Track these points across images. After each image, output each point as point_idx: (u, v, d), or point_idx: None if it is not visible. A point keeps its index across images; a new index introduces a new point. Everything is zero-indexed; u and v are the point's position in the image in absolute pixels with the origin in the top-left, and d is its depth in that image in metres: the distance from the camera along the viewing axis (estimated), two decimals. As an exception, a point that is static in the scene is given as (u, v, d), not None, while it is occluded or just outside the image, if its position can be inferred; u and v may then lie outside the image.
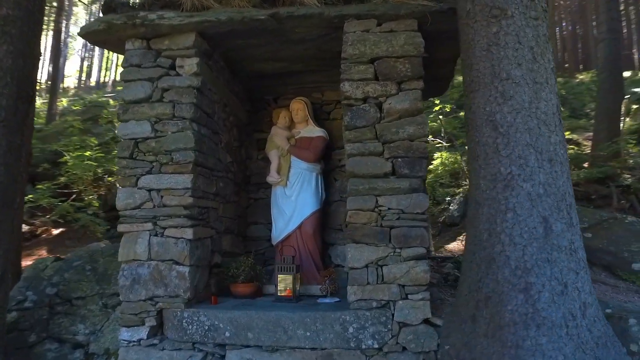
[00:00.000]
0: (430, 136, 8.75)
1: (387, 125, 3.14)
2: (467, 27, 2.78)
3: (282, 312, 3.04)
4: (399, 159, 3.09)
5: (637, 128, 8.65)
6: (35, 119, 6.11)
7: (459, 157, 8.07)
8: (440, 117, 8.93)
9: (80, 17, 26.61)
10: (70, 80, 24.44)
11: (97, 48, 26.03)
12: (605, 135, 7.54)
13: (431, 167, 8.19)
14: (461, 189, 7.50)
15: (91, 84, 24.02)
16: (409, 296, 2.94)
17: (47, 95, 13.69)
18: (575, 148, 8.50)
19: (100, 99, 13.56)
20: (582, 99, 12.12)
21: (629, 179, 6.29)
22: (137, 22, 3.28)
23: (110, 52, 25.86)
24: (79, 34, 3.55)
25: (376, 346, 2.90)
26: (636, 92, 10.88)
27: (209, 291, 3.53)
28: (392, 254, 3.00)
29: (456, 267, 4.14)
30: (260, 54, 3.85)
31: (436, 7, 3.18)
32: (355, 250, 3.03)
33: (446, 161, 8.27)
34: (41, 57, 4.20)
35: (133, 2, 3.44)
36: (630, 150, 7.06)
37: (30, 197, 7.25)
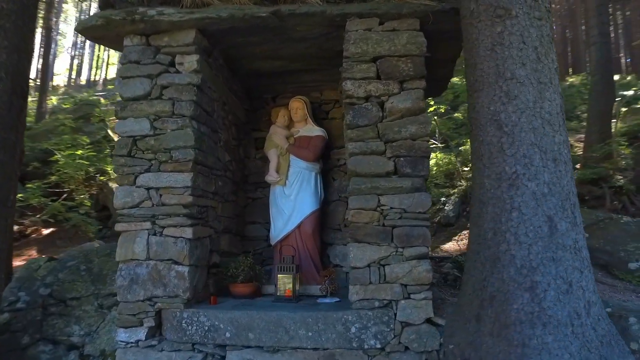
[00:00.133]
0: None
1: (389, 125, 3.13)
2: (471, 26, 2.78)
3: (284, 312, 3.01)
4: (401, 158, 3.08)
5: (627, 130, 8.78)
6: (25, 116, 6.00)
7: (453, 158, 8.12)
8: (435, 118, 8.98)
9: (70, 14, 26.27)
10: (59, 78, 24.09)
11: (87, 46, 25.74)
12: (597, 137, 7.64)
13: (426, 167, 8.21)
14: (456, 190, 7.53)
15: (81, 83, 23.68)
16: (412, 296, 2.93)
17: (37, 93, 13.46)
18: (568, 149, 8.58)
19: (91, 98, 13.38)
20: (572, 101, 12.28)
21: (621, 180, 6.37)
22: (136, 18, 3.23)
23: (101, 51, 25.57)
24: (76, 30, 3.48)
25: (379, 346, 2.89)
26: (625, 95, 11.07)
27: (207, 291, 3.49)
28: (394, 253, 2.99)
29: (455, 267, 4.15)
30: (260, 52, 3.82)
31: (438, 7, 3.19)
32: (357, 250, 3.01)
33: (441, 162, 8.31)
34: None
35: (131, -2, 3.38)
36: (622, 151, 7.15)
37: (20, 196, 7.11)
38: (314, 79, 4.44)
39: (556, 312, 2.27)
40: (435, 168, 8.31)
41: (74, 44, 26.14)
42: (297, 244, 3.97)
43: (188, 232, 3.15)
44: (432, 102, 8.63)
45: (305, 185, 4.09)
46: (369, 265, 2.99)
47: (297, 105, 4.26)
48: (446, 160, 8.19)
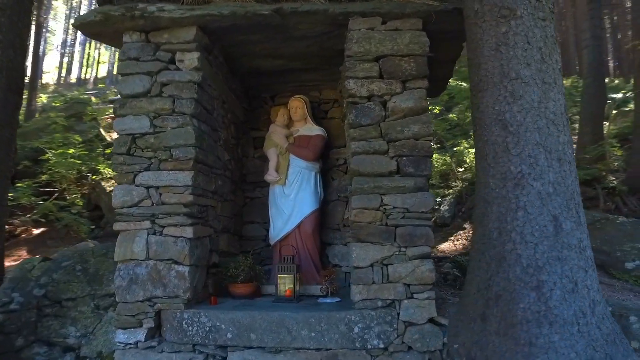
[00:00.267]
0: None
1: (392, 124, 3.12)
2: (475, 26, 2.78)
3: (286, 312, 2.98)
4: (404, 158, 3.08)
5: (618, 132, 8.92)
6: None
7: (448, 159, 8.15)
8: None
9: (59, 10, 25.91)
10: (48, 76, 23.73)
11: (77, 44, 25.39)
12: (590, 139, 7.73)
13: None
14: (451, 190, 7.57)
15: (71, 81, 23.35)
16: (415, 295, 2.93)
17: (26, 91, 13.22)
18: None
19: (81, 96, 13.19)
20: (564, 103, 12.40)
21: (614, 181, 6.46)
22: (135, 14, 3.18)
23: (92, 49, 25.26)
24: (73, 25, 3.42)
25: (382, 346, 2.88)
26: (615, 98, 11.24)
27: (206, 291, 3.45)
28: (397, 253, 2.98)
29: (455, 267, 4.16)
30: (260, 50, 3.80)
31: (441, 7, 3.19)
32: (360, 250, 3.00)
33: (436, 162, 8.34)
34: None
35: (131, -7, 3.33)
36: (614, 153, 7.25)
37: (10, 196, 6.96)
38: (313, 78, 4.43)
39: (562, 311, 2.28)
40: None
41: (64, 42, 25.79)
42: (296, 243, 3.94)
43: (188, 232, 3.11)
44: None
45: (305, 185, 4.06)
46: (371, 265, 2.98)
47: (297, 105, 4.24)
48: (441, 160, 8.22)
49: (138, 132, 3.21)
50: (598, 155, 7.11)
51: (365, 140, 3.12)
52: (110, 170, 8.04)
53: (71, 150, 7.97)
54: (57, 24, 26.74)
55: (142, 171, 3.18)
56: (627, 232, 4.23)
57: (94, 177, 8.06)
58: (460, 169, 7.94)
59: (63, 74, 24.30)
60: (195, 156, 3.16)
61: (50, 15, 23.02)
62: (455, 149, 8.33)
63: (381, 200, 3.04)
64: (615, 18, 20.19)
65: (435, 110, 8.77)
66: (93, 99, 13.37)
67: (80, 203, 7.64)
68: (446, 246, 6.20)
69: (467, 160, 7.94)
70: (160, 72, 3.27)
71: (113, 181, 7.81)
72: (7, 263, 5.61)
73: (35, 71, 13.30)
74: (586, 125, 8.03)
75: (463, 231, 6.54)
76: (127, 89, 3.26)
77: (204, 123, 3.42)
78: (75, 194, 7.75)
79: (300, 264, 3.77)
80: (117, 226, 3.16)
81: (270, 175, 4.12)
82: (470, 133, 9.01)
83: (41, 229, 7.78)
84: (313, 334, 2.91)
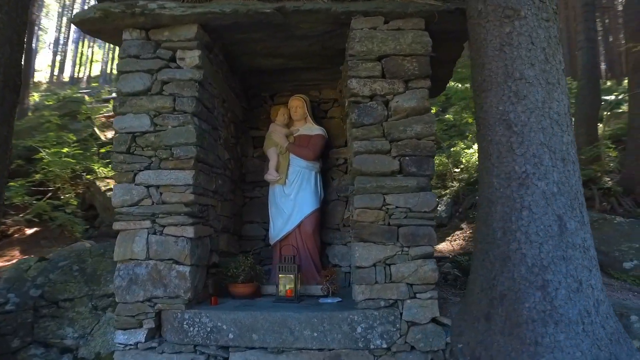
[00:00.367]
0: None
1: (394, 124, 3.12)
2: (479, 26, 2.79)
3: (289, 312, 2.97)
4: (407, 158, 3.07)
5: (612, 133, 9.01)
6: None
7: (445, 159, 8.18)
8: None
9: (52, 8, 25.63)
10: (40, 74, 23.44)
11: (70, 42, 25.14)
12: (584, 140, 7.80)
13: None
14: (448, 190, 7.59)
15: (64, 79, 23.10)
16: (417, 295, 2.93)
17: (18, 89, 13.02)
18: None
19: (75, 95, 13.04)
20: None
21: (609, 182, 6.52)
22: (136, 11, 3.15)
23: (85, 47, 25.02)
24: (72, 22, 3.37)
25: (385, 346, 2.87)
26: (607, 100, 11.37)
27: (206, 292, 3.42)
28: (400, 252, 2.98)
29: (455, 267, 4.17)
30: (261, 48, 3.77)
31: (443, 7, 3.19)
32: (362, 249, 2.99)
33: (432, 163, 8.36)
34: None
35: (131, -10, 3.29)
36: (609, 154, 7.32)
37: (3, 195, 6.86)
38: (313, 78, 4.41)
39: (567, 311, 2.29)
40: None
41: (56, 40, 25.52)
42: (297, 243, 3.93)
43: (189, 231, 3.08)
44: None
45: (306, 185, 4.05)
46: (374, 265, 2.97)
47: (297, 104, 4.22)
48: (438, 161, 8.25)
49: (138, 131, 3.18)
50: (593, 157, 7.18)
51: (368, 139, 3.11)
52: (105, 169, 7.96)
53: (65, 149, 7.87)
54: (50, 21, 26.47)
55: (142, 170, 3.14)
56: (625, 232, 4.27)
57: (88, 176, 7.96)
58: (457, 170, 7.97)
59: (55, 73, 24.03)
60: (196, 155, 3.13)
61: (43, 13, 22.75)
62: (451, 150, 8.36)
63: (384, 200, 3.04)
64: (606, 21, 20.44)
65: (432, 111, 8.79)
66: (87, 97, 13.22)
67: (75, 202, 7.55)
68: (444, 246, 6.21)
69: (464, 161, 7.97)
70: (160, 70, 3.24)
71: (108, 180, 7.74)
72: (0, 263, 5.54)
73: (28, 69, 13.11)
74: (581, 127, 8.10)
75: (460, 231, 6.56)
76: (127, 87, 3.23)
77: (204, 122, 3.39)
78: (70, 193, 7.65)
79: (300, 263, 3.75)
80: (116, 225, 3.12)
81: (271, 175, 4.09)
82: (467, 133, 9.06)
83: (34, 229, 7.67)
84: (316, 334, 2.89)
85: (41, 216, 7.35)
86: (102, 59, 25.80)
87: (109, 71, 23.07)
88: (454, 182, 7.61)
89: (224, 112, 3.94)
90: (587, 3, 9.04)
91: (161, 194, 3.12)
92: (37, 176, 7.65)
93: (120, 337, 3.00)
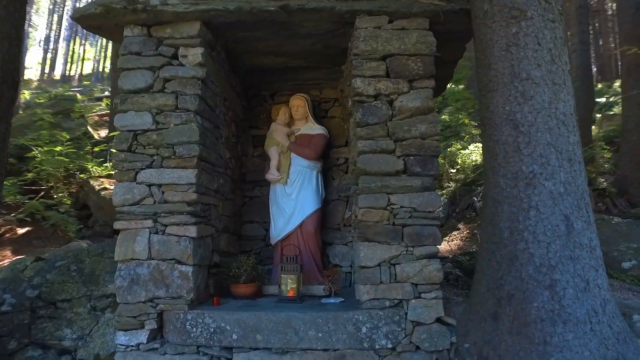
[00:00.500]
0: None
1: (398, 123, 3.11)
2: (485, 27, 2.79)
3: (293, 312, 2.94)
4: (411, 157, 3.07)
5: (604, 135, 9.13)
6: None
7: (441, 160, 8.21)
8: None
9: (42, 5, 25.29)
10: (31, 72, 23.09)
11: (61, 40, 24.82)
12: (579, 141, 7.88)
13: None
14: (444, 191, 7.62)
15: (55, 77, 22.78)
16: (422, 295, 2.92)
17: (9, 86, 12.80)
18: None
19: (67, 93, 12.86)
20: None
21: (604, 183, 6.60)
22: (138, 8, 3.10)
23: (76, 45, 24.71)
24: (72, 17, 3.32)
25: (390, 346, 2.86)
26: (599, 102, 11.52)
27: (208, 292, 3.38)
28: (404, 252, 2.97)
29: (456, 267, 4.17)
30: (263, 47, 3.75)
31: (448, 7, 3.20)
32: (367, 249, 2.98)
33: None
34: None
35: (133, -14, 3.25)
36: (604, 155, 7.41)
37: (-5, 194, 6.73)
38: (314, 77, 4.39)
39: (575, 310, 2.30)
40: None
41: (47, 37, 25.16)
42: (298, 243, 3.90)
43: (192, 231, 3.05)
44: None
45: (307, 184, 4.02)
46: (379, 265, 2.96)
47: (298, 103, 4.20)
48: (434, 161, 8.27)
49: (140, 129, 3.13)
50: (588, 158, 7.25)
51: (372, 139, 3.10)
52: (99, 168, 7.86)
53: (58, 148, 7.74)
54: (40, 18, 26.08)
55: (143, 168, 3.10)
56: (623, 232, 4.32)
57: (82, 175, 7.86)
58: (453, 170, 8.01)
59: (46, 70, 23.70)
60: (199, 154, 3.09)
61: (33, 10, 22.43)
62: (447, 150, 8.40)
63: (388, 200, 3.03)
64: (596, 25, 20.71)
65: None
66: (79, 95, 13.06)
67: (68, 202, 7.43)
68: (441, 247, 6.21)
69: (460, 162, 8.01)
70: (162, 68, 3.20)
71: (102, 180, 7.64)
72: (-8, 263, 5.43)
73: (20, 66, 12.91)
74: (575, 128, 8.19)
75: (457, 231, 6.59)
76: (128, 84, 3.18)
77: (207, 120, 3.35)
78: (63, 192, 7.54)
79: (302, 263, 3.73)
80: (117, 225, 3.07)
81: (272, 174, 4.06)
82: (462, 134, 9.11)
83: (27, 229, 7.54)
84: (320, 335, 2.87)
85: (34, 215, 7.22)
86: (94, 57, 25.51)
87: (101, 69, 22.81)
88: (451, 183, 7.64)
89: (225, 111, 3.91)
90: (580, 6, 9.15)
91: (163, 193, 3.08)
92: (30, 175, 7.52)
93: (122, 338, 2.96)
